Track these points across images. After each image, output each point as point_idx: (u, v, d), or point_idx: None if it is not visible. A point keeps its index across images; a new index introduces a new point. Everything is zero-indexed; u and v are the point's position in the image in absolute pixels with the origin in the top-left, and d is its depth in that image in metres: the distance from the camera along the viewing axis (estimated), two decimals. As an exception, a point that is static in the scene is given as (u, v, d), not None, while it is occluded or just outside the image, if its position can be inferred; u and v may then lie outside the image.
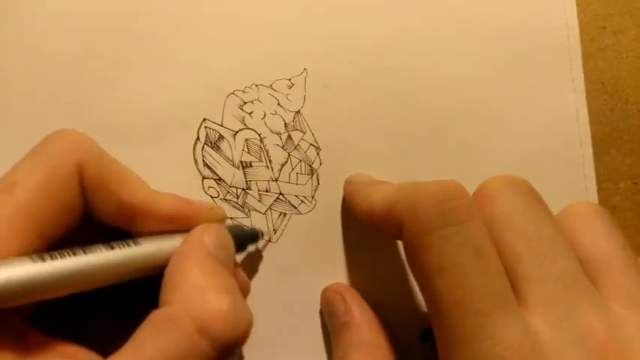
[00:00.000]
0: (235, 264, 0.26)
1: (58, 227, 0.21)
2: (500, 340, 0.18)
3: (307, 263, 0.28)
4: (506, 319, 0.18)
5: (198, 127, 0.28)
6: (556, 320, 0.19)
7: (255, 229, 0.27)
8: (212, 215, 0.24)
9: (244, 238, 0.26)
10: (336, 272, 0.28)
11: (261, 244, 0.28)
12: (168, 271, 0.21)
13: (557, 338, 0.18)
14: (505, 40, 0.29)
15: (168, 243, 0.22)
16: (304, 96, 0.28)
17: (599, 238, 0.22)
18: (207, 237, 0.22)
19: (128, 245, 0.21)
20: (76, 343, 0.20)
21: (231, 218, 0.28)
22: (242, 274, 0.26)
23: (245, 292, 0.26)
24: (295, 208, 0.29)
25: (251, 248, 0.27)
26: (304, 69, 0.28)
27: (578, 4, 0.29)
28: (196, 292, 0.20)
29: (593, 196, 0.29)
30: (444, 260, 0.19)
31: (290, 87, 0.28)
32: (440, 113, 0.29)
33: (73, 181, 0.21)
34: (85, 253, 0.20)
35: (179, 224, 0.23)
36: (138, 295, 0.23)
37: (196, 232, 0.23)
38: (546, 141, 0.29)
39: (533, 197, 0.21)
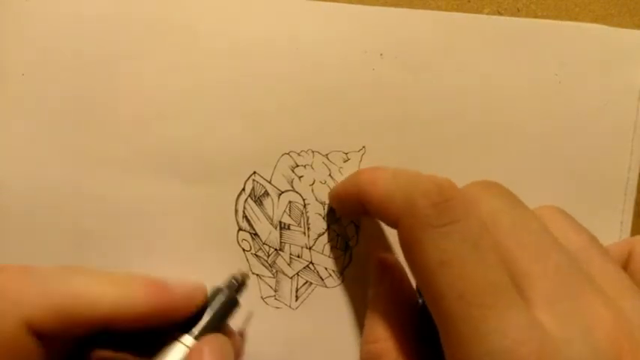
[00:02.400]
0: (230, 331, 0.26)
1: None
2: (506, 334, 0.17)
3: (320, 336, 0.28)
4: (511, 311, 0.18)
5: (246, 178, 0.28)
6: (561, 313, 0.18)
7: (232, 281, 0.26)
8: (193, 300, 0.23)
9: (233, 295, 0.25)
10: (346, 352, 0.28)
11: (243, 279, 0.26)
12: None
13: (565, 330, 0.18)
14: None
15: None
16: (357, 172, 0.28)
17: (570, 233, 0.22)
18: (208, 356, 0.21)
19: None
20: None
21: (254, 273, 0.28)
22: (235, 336, 0.26)
23: (238, 354, 0.26)
24: (322, 280, 0.28)
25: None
26: (363, 147, 0.28)
27: (577, 5, 0.28)
28: None
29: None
30: (444, 255, 0.19)
31: (345, 161, 0.28)
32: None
33: (26, 341, 0.20)
34: None
35: (161, 319, 0.22)
36: None
37: (196, 354, 0.22)
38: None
39: (512, 197, 0.22)
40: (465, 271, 0.18)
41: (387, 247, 0.28)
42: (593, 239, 0.22)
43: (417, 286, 0.21)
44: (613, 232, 0.28)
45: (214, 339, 0.23)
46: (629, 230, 0.28)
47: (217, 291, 0.25)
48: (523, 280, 0.19)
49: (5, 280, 0.20)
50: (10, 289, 0.20)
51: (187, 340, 0.22)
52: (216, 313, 0.24)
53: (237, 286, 0.25)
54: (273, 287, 0.28)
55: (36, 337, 0.20)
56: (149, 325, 0.22)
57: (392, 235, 0.28)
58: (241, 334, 0.28)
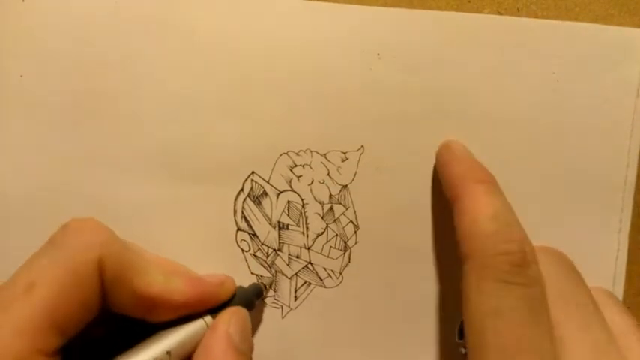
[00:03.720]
0: None
1: (77, 323, 0.21)
2: None
3: (319, 336, 0.28)
4: None
5: (245, 178, 0.28)
6: None
7: (256, 284, 0.28)
8: (224, 291, 0.25)
9: (253, 297, 0.27)
10: (345, 352, 0.28)
11: (266, 288, 0.28)
12: None
13: None
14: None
15: (193, 329, 0.23)
16: (355, 172, 0.28)
17: (616, 316, 0.23)
18: (233, 328, 0.23)
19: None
20: None
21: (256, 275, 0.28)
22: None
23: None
24: (321, 280, 0.28)
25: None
26: (361, 146, 0.28)
27: (577, 5, 0.28)
28: None
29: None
30: (501, 306, 0.20)
31: (343, 160, 0.28)
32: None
33: (93, 279, 0.21)
34: None
35: (194, 309, 0.24)
36: None
37: (222, 322, 0.23)
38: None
39: (569, 266, 0.24)
40: (515, 326, 0.20)
41: (387, 248, 0.28)
42: (637, 326, 0.23)
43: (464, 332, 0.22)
44: (611, 231, 0.28)
45: (239, 309, 0.25)
46: (627, 229, 0.28)
47: (240, 288, 0.26)
48: (560, 345, 0.20)
49: (91, 222, 0.22)
50: (97, 230, 0.22)
51: (208, 318, 0.24)
52: (243, 299, 0.26)
53: (260, 292, 0.28)
54: (272, 287, 0.28)
55: (100, 284, 0.21)
56: (186, 312, 0.23)
57: (391, 235, 0.28)
58: None
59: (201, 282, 0.24)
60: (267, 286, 0.28)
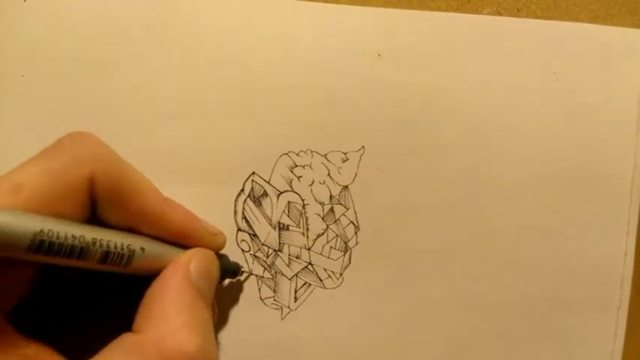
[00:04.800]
0: (217, 292, 0.26)
1: None
2: None
3: (319, 338, 0.28)
4: None
5: (245, 179, 0.28)
6: None
7: (237, 264, 0.27)
8: (212, 241, 0.25)
9: (226, 270, 0.26)
10: (345, 353, 0.28)
11: (243, 276, 0.28)
12: (147, 294, 0.21)
13: None
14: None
15: (163, 250, 0.23)
16: (356, 173, 0.28)
17: None
18: (194, 264, 0.22)
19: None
20: (48, 345, 0.20)
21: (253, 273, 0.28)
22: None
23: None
24: (321, 281, 0.28)
25: (227, 281, 0.27)
26: (362, 147, 0.28)
27: (577, 5, 0.28)
28: (168, 327, 0.20)
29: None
30: None
31: (344, 161, 0.28)
32: (487, 226, 0.28)
33: (82, 194, 0.20)
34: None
35: (182, 240, 0.23)
36: (120, 301, 0.23)
37: (185, 257, 0.23)
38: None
39: None
40: None
41: (387, 249, 0.28)
42: None
43: None
44: (619, 234, 0.28)
45: (203, 250, 0.24)
46: (635, 231, 0.28)
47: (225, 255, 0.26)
48: None
49: (85, 135, 0.22)
50: (89, 143, 0.21)
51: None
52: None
53: (236, 272, 0.27)
54: (272, 288, 0.28)
55: (89, 199, 0.21)
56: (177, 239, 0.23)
57: (392, 236, 0.28)
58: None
59: (199, 221, 0.24)
60: (244, 272, 0.28)
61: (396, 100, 0.28)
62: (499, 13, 0.28)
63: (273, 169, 0.28)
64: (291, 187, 0.28)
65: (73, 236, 0.19)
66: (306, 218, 0.28)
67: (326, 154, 0.28)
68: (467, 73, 0.28)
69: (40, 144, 0.28)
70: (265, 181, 0.28)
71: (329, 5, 0.28)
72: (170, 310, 0.20)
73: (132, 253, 0.21)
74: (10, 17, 0.28)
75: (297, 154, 0.28)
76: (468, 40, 0.28)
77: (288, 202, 0.28)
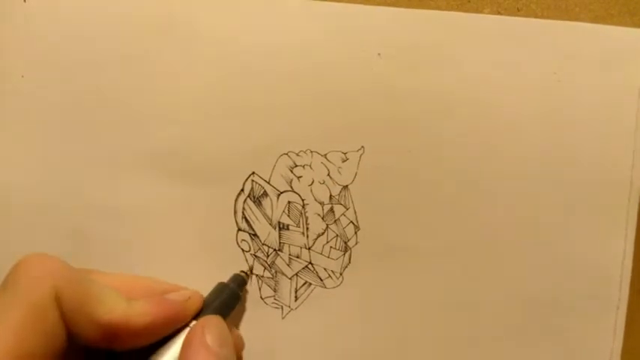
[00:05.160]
0: (231, 326, 0.26)
1: (44, 357, 0.20)
2: None
3: (319, 337, 0.28)
4: None
5: (245, 179, 0.28)
6: None
7: (238, 275, 0.27)
8: (190, 307, 0.24)
9: (237, 289, 0.26)
10: (345, 352, 0.28)
11: (248, 283, 0.28)
12: None
13: None
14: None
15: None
16: (356, 173, 0.28)
17: None
18: (209, 336, 0.22)
19: None
20: None
21: (255, 274, 0.28)
22: (237, 334, 0.27)
23: (240, 351, 0.27)
24: (321, 280, 0.28)
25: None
26: (362, 147, 0.28)
27: (577, 5, 0.28)
28: None
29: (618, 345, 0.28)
30: None
31: (344, 160, 0.28)
32: (487, 226, 0.28)
33: (52, 311, 0.20)
34: None
35: (161, 330, 0.23)
36: None
37: (197, 332, 0.22)
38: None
39: None
40: None
41: (387, 249, 0.28)
42: None
43: None
44: (618, 234, 0.28)
45: (210, 318, 0.24)
46: (633, 232, 0.28)
47: (221, 286, 0.26)
48: None
49: (41, 255, 0.21)
50: (47, 262, 0.21)
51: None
52: (217, 305, 0.25)
53: (240, 281, 0.27)
54: (273, 287, 0.28)
55: (59, 313, 0.21)
56: (154, 335, 0.23)
57: (392, 236, 0.28)
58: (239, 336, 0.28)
59: (166, 300, 0.24)
60: (249, 274, 0.28)
61: (396, 100, 0.28)
62: (499, 13, 0.28)
63: (273, 169, 0.28)
64: (291, 187, 0.28)
65: None
66: (306, 218, 0.28)
67: (326, 154, 0.28)
68: (467, 73, 0.28)
69: (40, 144, 0.28)
70: (265, 181, 0.28)
71: (329, 4, 0.28)
72: None
73: None
74: (10, 17, 0.28)
75: (297, 154, 0.28)
76: (468, 40, 0.28)
77: (288, 201, 0.28)
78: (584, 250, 0.28)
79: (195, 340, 0.22)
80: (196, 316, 0.24)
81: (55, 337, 0.20)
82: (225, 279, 0.27)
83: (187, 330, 0.23)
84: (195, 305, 0.25)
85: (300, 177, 0.28)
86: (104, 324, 0.21)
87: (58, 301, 0.21)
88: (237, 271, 0.28)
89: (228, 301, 0.26)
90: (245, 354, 0.28)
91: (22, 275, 0.21)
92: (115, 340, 0.22)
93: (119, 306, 0.22)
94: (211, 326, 0.23)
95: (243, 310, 0.28)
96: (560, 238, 0.28)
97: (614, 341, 0.28)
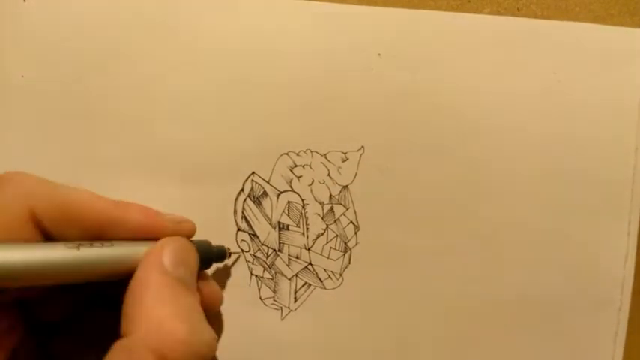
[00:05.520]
0: (205, 275, 0.26)
1: None
2: None
3: (319, 338, 0.28)
4: None
5: (245, 179, 0.28)
6: None
7: (222, 247, 0.27)
8: (178, 229, 0.24)
9: (210, 254, 0.26)
10: (345, 353, 0.28)
11: (230, 260, 0.28)
12: (127, 297, 0.21)
13: None
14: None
15: (138, 249, 0.22)
16: (356, 173, 0.28)
17: None
18: (167, 255, 0.22)
19: (99, 246, 0.21)
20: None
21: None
22: (212, 284, 0.26)
23: (216, 302, 0.26)
24: (321, 281, 0.28)
25: (219, 265, 0.27)
26: (362, 147, 0.28)
27: (577, 5, 0.28)
28: (153, 323, 0.20)
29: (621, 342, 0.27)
30: None
31: (344, 161, 0.28)
32: (488, 226, 0.28)
33: (27, 231, 0.21)
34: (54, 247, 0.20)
35: (146, 237, 0.23)
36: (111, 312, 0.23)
37: (155, 250, 0.22)
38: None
39: None
40: None
41: (387, 249, 0.28)
42: None
43: None
44: (620, 234, 0.28)
45: (174, 238, 0.23)
46: (636, 231, 0.28)
47: (205, 241, 0.26)
48: None
49: (17, 175, 0.22)
50: (21, 182, 0.22)
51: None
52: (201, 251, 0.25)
53: (222, 254, 0.27)
54: (272, 288, 0.28)
55: (39, 231, 0.21)
56: (142, 235, 0.23)
57: (392, 236, 0.28)
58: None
59: (156, 214, 0.24)
60: (231, 254, 0.27)
61: (396, 100, 0.28)
62: (499, 13, 0.28)
63: (272, 169, 0.28)
64: (291, 187, 0.28)
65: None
66: (306, 218, 0.28)
67: (326, 154, 0.28)
68: (467, 73, 0.28)
69: (40, 144, 0.28)
70: (265, 181, 0.28)
71: (329, 5, 0.28)
72: (152, 306, 0.20)
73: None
74: (10, 17, 0.28)
75: (297, 154, 0.28)
76: (468, 40, 0.28)
77: (288, 202, 0.28)
78: (586, 250, 0.28)
79: (150, 256, 0.22)
80: None
81: None
82: (226, 279, 0.27)
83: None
84: (186, 229, 0.25)
85: (300, 177, 0.28)
86: (93, 225, 0.22)
87: (36, 218, 0.21)
88: (225, 247, 0.27)
89: (208, 252, 0.26)
90: (245, 354, 0.28)
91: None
92: (101, 236, 0.22)
93: (107, 208, 0.22)
94: (170, 245, 0.23)
95: (242, 310, 0.28)
96: (562, 239, 0.28)
97: (615, 342, 0.27)
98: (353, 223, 0.28)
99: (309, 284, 0.28)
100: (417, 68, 0.28)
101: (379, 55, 0.28)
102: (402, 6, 0.28)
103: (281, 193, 0.28)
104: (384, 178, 0.28)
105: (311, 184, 0.28)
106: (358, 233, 0.28)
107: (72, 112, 0.28)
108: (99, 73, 0.28)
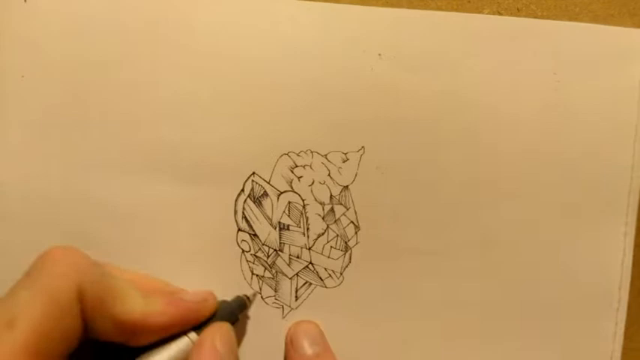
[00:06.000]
0: None
1: (60, 353, 0.20)
2: None
3: (321, 337, 0.28)
4: None
5: (245, 179, 0.28)
6: None
7: (240, 297, 0.27)
8: (206, 308, 0.25)
9: (235, 316, 0.26)
10: (345, 352, 0.28)
11: (251, 305, 0.28)
12: None
13: None
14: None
15: (178, 347, 0.23)
16: (356, 173, 0.28)
17: None
18: (219, 343, 0.23)
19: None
20: None
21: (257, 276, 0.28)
22: None
23: None
24: (322, 280, 0.28)
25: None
26: (362, 147, 0.28)
27: (577, 5, 0.28)
28: None
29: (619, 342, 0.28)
30: None
31: (344, 161, 0.28)
32: (487, 226, 0.28)
33: (73, 308, 0.21)
34: None
35: (176, 329, 0.24)
36: None
37: (208, 338, 0.23)
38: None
39: None
40: None
41: (387, 248, 0.28)
42: None
43: None
44: (617, 234, 0.28)
45: (222, 324, 0.24)
46: (633, 232, 0.28)
47: (224, 302, 0.26)
48: None
49: (66, 249, 0.22)
50: (71, 256, 0.21)
51: (193, 335, 0.24)
52: (226, 314, 0.26)
53: (243, 305, 0.27)
54: (273, 287, 0.28)
55: (80, 310, 0.21)
56: (168, 333, 0.23)
57: (392, 236, 0.28)
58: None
59: (182, 301, 0.24)
60: (251, 299, 0.28)
61: (396, 100, 0.28)
62: (499, 13, 0.28)
63: (273, 169, 0.28)
64: (292, 187, 0.28)
65: None
66: (307, 218, 0.28)
67: (326, 154, 0.28)
68: (467, 73, 0.28)
69: (40, 144, 0.28)
70: (265, 181, 0.28)
71: (329, 5, 0.28)
72: None
73: None
74: (10, 17, 0.28)
75: (298, 154, 0.28)
76: (468, 40, 0.28)
77: (289, 202, 0.28)
78: (584, 250, 0.28)
79: (207, 343, 0.23)
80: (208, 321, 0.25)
81: (71, 334, 0.21)
82: (226, 279, 0.27)
83: (190, 333, 0.24)
84: (210, 307, 0.25)
85: (301, 177, 0.28)
86: (123, 322, 0.22)
87: (80, 298, 0.21)
88: (241, 294, 0.27)
89: (233, 312, 0.26)
90: (245, 354, 0.28)
91: (45, 270, 0.21)
92: (131, 337, 0.22)
93: (138, 305, 0.22)
94: (222, 332, 0.23)
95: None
96: (560, 238, 0.28)
97: (614, 342, 0.28)
98: (353, 223, 0.28)
99: (310, 283, 0.28)
100: (417, 68, 0.28)
101: (379, 55, 0.28)
102: (402, 6, 0.28)
103: (281, 193, 0.28)
104: (384, 178, 0.28)
105: (311, 185, 0.28)
106: (358, 233, 0.28)
107: (72, 112, 0.28)
108: (99, 73, 0.28)
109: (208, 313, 0.25)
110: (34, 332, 0.19)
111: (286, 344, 0.27)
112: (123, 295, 0.22)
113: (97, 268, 0.22)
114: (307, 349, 0.26)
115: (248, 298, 0.27)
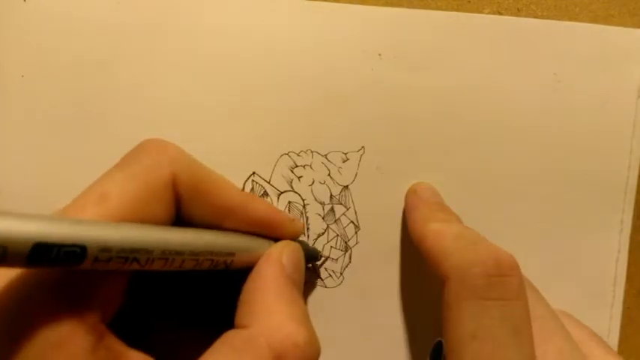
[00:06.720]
0: None
1: None
2: None
3: (319, 337, 0.28)
4: None
5: (245, 179, 0.28)
6: None
7: (316, 249, 0.28)
8: (293, 227, 0.25)
9: (309, 255, 0.27)
10: (345, 352, 0.28)
11: (320, 260, 0.28)
12: (246, 290, 0.21)
13: None
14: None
15: (256, 244, 0.23)
16: (356, 173, 0.28)
17: (572, 327, 0.23)
18: (286, 258, 0.22)
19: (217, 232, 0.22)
20: (147, 353, 0.20)
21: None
22: None
23: None
24: (322, 280, 0.28)
25: (308, 265, 0.27)
26: (362, 147, 0.28)
27: (577, 5, 0.28)
28: (275, 320, 0.20)
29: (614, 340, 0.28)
30: (479, 329, 0.19)
31: (344, 161, 0.28)
32: (487, 225, 0.28)
33: (166, 195, 0.21)
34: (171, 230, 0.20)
35: (264, 230, 0.24)
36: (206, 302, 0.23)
37: (276, 251, 0.23)
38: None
39: (526, 280, 0.23)
40: (494, 349, 0.19)
41: (387, 248, 0.28)
42: (595, 334, 0.23)
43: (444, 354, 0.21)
44: (613, 232, 0.28)
45: (292, 243, 0.24)
46: (629, 229, 0.28)
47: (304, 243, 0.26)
48: None
49: (162, 140, 0.22)
50: (168, 147, 0.22)
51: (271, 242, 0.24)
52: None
53: (316, 256, 0.28)
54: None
55: (173, 197, 0.21)
56: (262, 230, 0.23)
57: (392, 236, 0.28)
58: None
59: (277, 210, 0.25)
60: (320, 260, 0.28)
61: (396, 100, 0.28)
62: (499, 13, 0.28)
63: (273, 169, 0.28)
64: (292, 187, 0.28)
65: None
66: (307, 218, 0.28)
67: (326, 154, 0.28)
68: (467, 73, 0.28)
69: (40, 144, 0.28)
70: (265, 181, 0.28)
71: (329, 4, 0.28)
72: (273, 305, 0.21)
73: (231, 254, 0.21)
74: (10, 17, 0.28)
75: (298, 154, 0.28)
76: (468, 40, 0.28)
77: (289, 202, 0.28)
78: (579, 247, 0.28)
79: (273, 256, 0.22)
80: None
81: (161, 221, 0.21)
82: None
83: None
84: (298, 229, 0.25)
85: (301, 177, 0.28)
86: (221, 206, 0.22)
87: (175, 187, 0.21)
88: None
89: (310, 252, 0.27)
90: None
91: (143, 155, 0.21)
92: (224, 222, 0.22)
93: (237, 194, 0.23)
94: (289, 249, 0.23)
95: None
96: (556, 236, 0.28)
97: (608, 338, 0.28)
98: (353, 223, 0.28)
99: (310, 283, 0.28)
100: (417, 68, 0.28)
101: (379, 55, 0.28)
102: (402, 6, 0.28)
103: (282, 193, 0.28)
104: (384, 178, 0.28)
105: (311, 184, 0.28)
106: (358, 233, 0.28)
107: (72, 112, 0.28)
108: (99, 73, 0.28)
109: (295, 233, 0.25)
110: (124, 210, 0.19)
111: (408, 195, 0.27)
112: (221, 185, 0.22)
113: (191, 158, 0.22)
114: (431, 197, 0.27)
115: (321, 256, 0.28)
